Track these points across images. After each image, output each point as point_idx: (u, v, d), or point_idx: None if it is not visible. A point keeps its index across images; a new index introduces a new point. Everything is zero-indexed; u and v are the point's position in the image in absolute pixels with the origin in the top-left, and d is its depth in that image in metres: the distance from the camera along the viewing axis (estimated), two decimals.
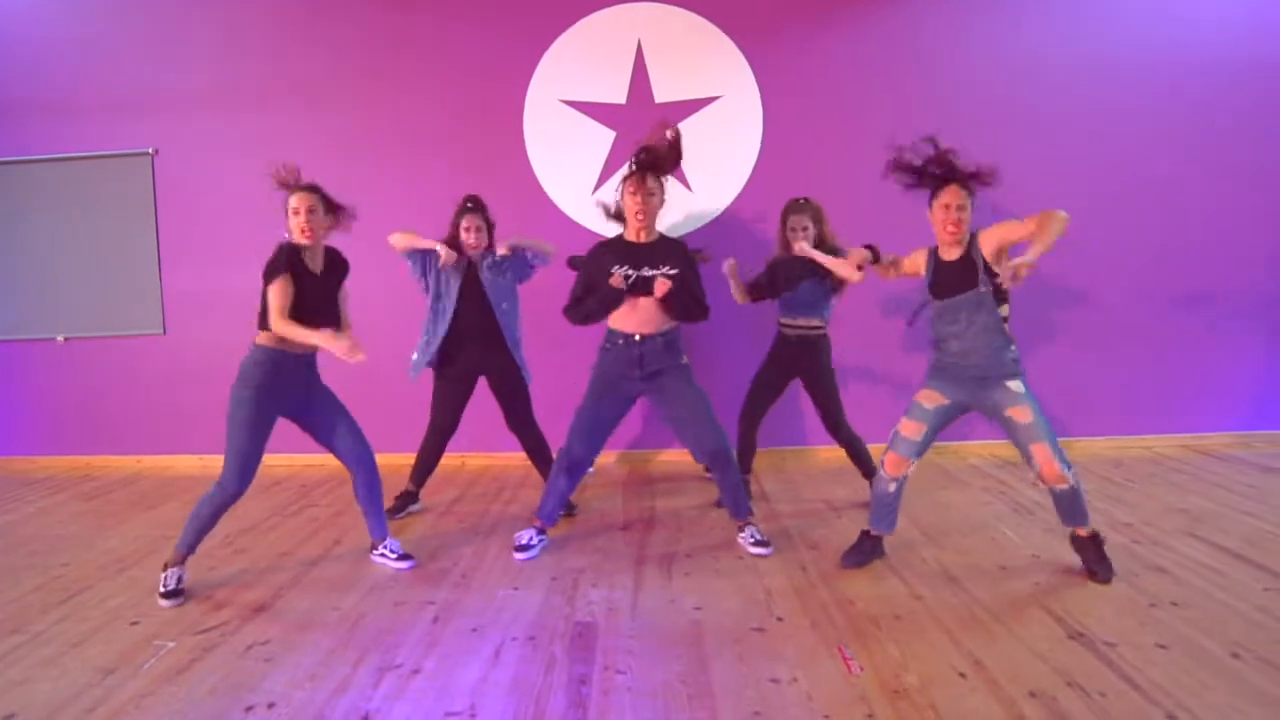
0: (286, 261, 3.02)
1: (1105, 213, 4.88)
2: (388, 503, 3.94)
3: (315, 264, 3.12)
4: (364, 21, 4.95)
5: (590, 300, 3.44)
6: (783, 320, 4.01)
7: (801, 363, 3.98)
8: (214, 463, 5.08)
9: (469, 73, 4.93)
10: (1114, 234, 4.91)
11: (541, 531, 3.53)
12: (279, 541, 3.68)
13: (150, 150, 5.05)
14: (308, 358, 3.20)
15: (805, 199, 3.92)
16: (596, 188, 4.90)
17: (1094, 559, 3.07)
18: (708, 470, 4.02)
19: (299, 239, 3.05)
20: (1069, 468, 2.98)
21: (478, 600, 2.97)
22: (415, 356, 4.00)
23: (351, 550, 3.54)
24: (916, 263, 3.20)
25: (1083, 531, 3.11)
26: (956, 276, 3.01)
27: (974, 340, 3.00)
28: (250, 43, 5.01)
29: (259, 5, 5.00)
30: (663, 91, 4.87)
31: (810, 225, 3.85)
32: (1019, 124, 4.85)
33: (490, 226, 4.01)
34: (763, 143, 4.88)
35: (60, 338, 5.22)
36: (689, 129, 4.86)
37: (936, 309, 3.09)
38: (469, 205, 3.94)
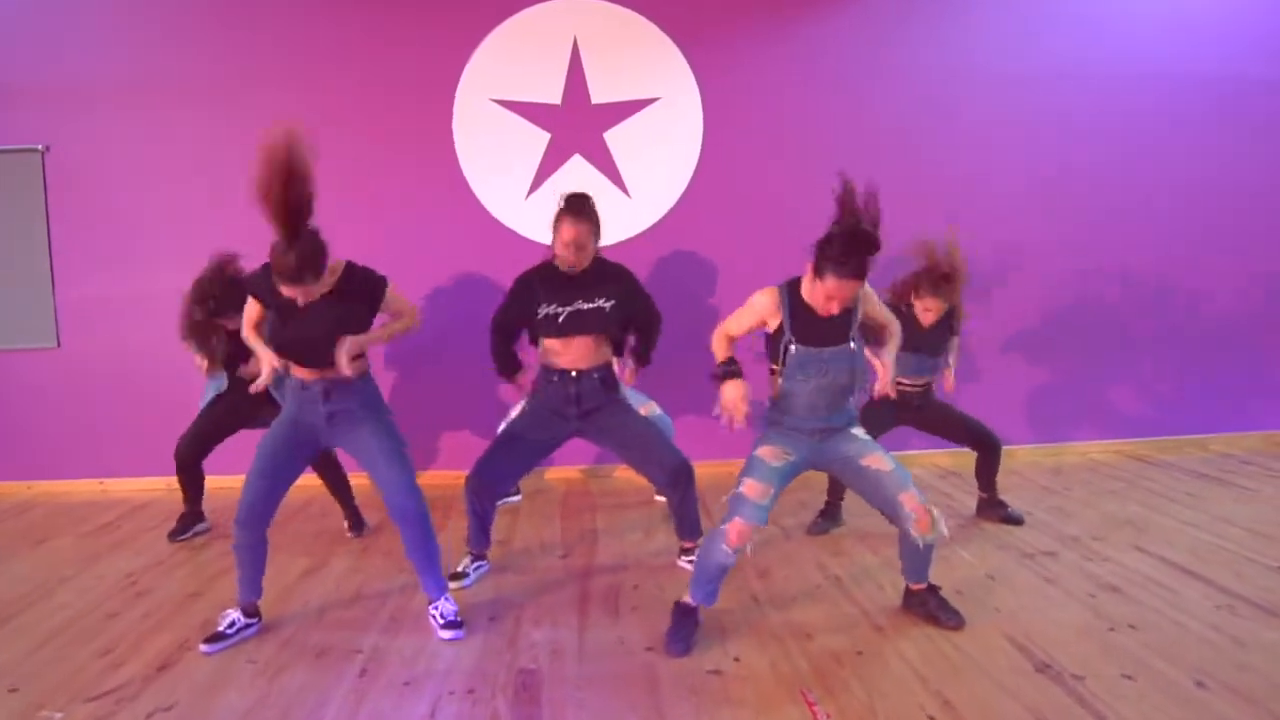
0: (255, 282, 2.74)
1: (1037, 217, 4.90)
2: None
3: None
4: (282, 9, 4.60)
5: (496, 350, 3.33)
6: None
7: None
8: (115, 487, 4.74)
9: (394, 68, 4.63)
10: (1047, 239, 4.92)
11: (479, 558, 3.33)
12: (187, 580, 3.36)
13: (40, 147, 4.61)
14: (326, 385, 2.74)
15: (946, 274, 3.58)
16: (530, 192, 4.68)
17: (939, 609, 2.82)
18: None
19: None
20: (937, 512, 2.71)
21: (410, 646, 2.73)
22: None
23: (268, 586, 3.21)
24: (762, 308, 2.69)
25: (919, 585, 2.88)
26: (829, 329, 2.64)
27: (824, 400, 2.68)
28: (155, 31, 4.58)
29: None
30: (600, 92, 4.67)
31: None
32: (970, 129, 4.81)
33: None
34: (703, 147, 4.72)
35: None
36: (626, 132, 4.69)
37: (798, 357, 2.64)
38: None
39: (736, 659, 2.61)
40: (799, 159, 4.74)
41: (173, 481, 4.65)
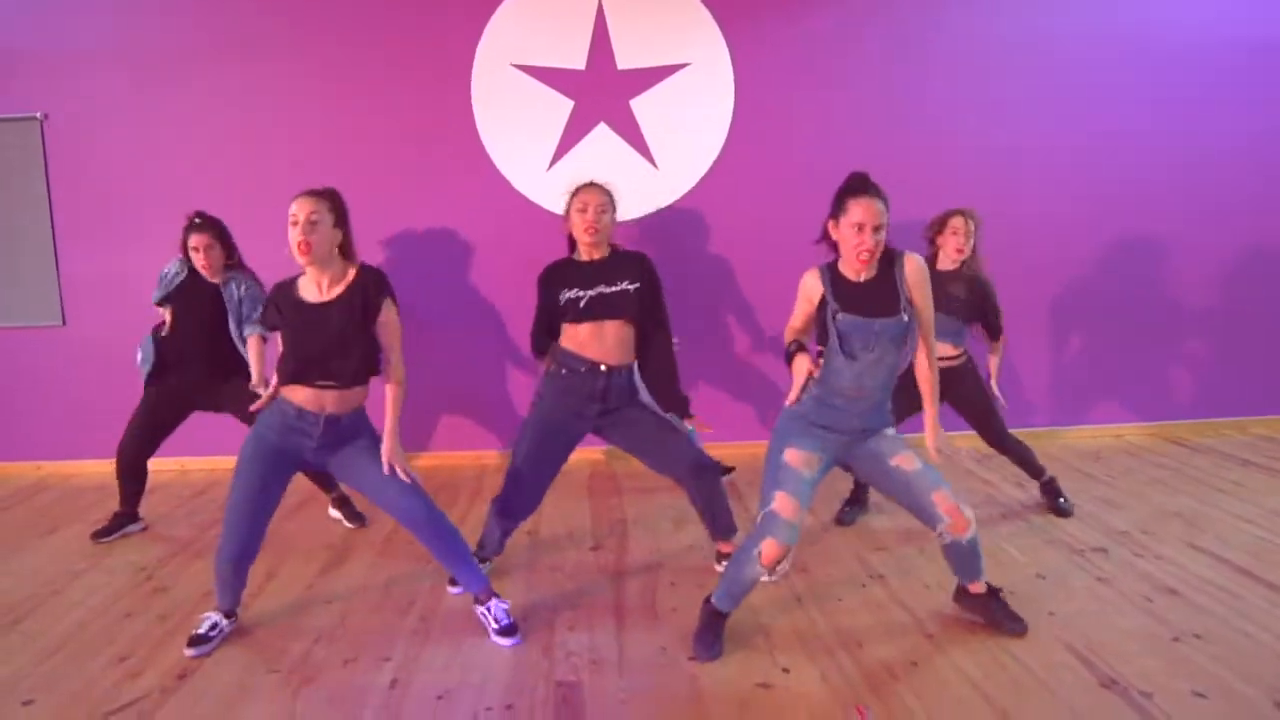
0: (269, 306, 2.62)
1: (1075, 189, 4.70)
2: (103, 521, 3.66)
3: (319, 290, 2.59)
4: None
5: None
6: None
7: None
8: None
9: (407, 31, 4.40)
10: (1077, 219, 4.73)
11: (483, 560, 3.16)
12: (203, 575, 3.21)
13: (39, 115, 4.40)
14: (328, 419, 2.61)
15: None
16: (553, 163, 4.47)
17: (1000, 615, 2.67)
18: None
19: (295, 255, 2.52)
20: (970, 510, 2.55)
21: (441, 654, 2.60)
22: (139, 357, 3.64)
23: (287, 585, 3.12)
24: (808, 288, 2.56)
25: (978, 587, 2.71)
26: (874, 296, 2.48)
27: (874, 381, 2.49)
28: None
29: None
30: (626, 57, 4.43)
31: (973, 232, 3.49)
32: (1011, 97, 4.60)
33: (228, 246, 3.58)
34: (734, 115, 4.49)
35: None
36: (653, 99, 4.46)
37: (843, 325, 2.46)
38: (196, 221, 3.51)
39: (785, 670, 2.48)
40: (835, 128, 4.53)
41: (185, 463, 4.57)
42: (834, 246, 2.54)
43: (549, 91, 4.44)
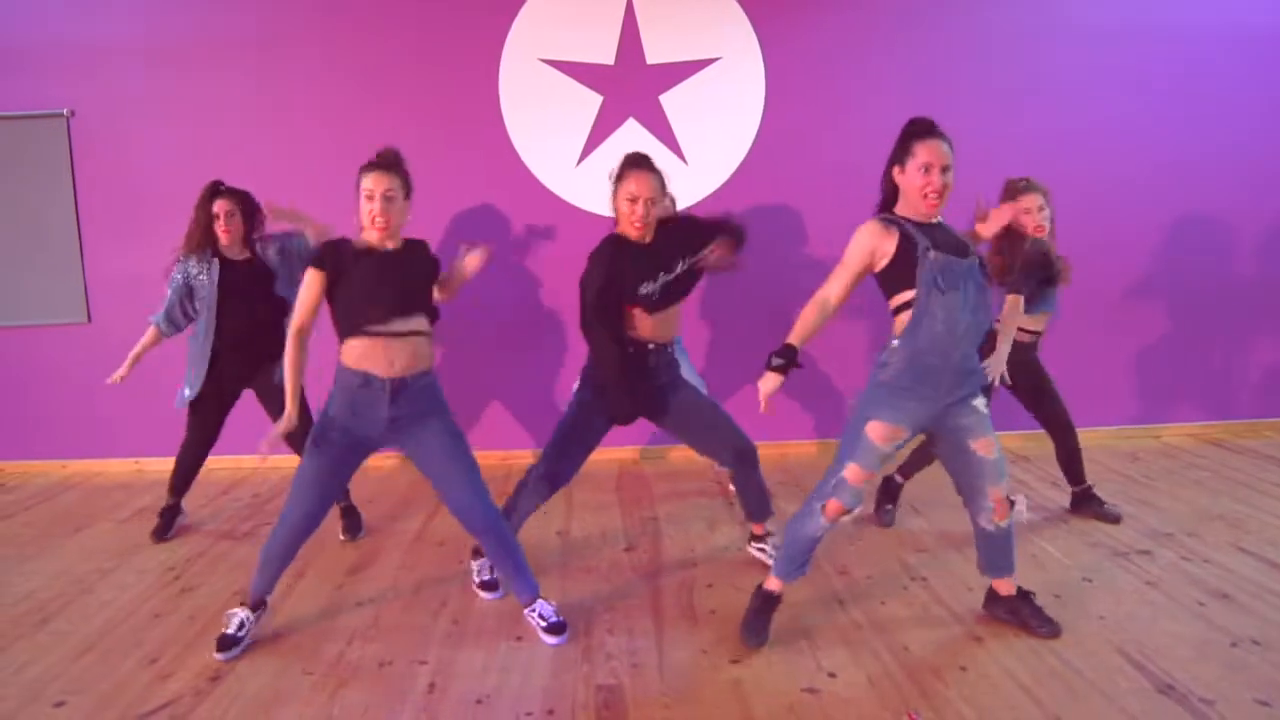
0: (324, 250, 2.55)
1: (1114, 186, 4.61)
2: (152, 521, 3.60)
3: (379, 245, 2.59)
4: None
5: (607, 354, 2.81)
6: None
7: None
8: (150, 466, 4.58)
9: (437, 26, 4.36)
10: (1115, 217, 4.63)
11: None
12: (232, 574, 3.19)
13: (65, 112, 4.38)
14: (402, 382, 2.53)
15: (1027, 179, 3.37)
16: (581, 159, 4.41)
17: (1032, 616, 2.61)
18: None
19: (369, 228, 2.51)
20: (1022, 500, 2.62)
21: (477, 657, 2.55)
22: (185, 391, 3.53)
23: (317, 585, 3.07)
24: (870, 240, 2.38)
25: (1008, 589, 2.66)
26: (949, 237, 2.40)
27: (966, 326, 2.35)
28: None
29: None
30: (655, 52, 4.37)
31: (1046, 207, 3.36)
32: (1040, 91, 4.51)
33: (251, 218, 3.50)
34: (765, 111, 4.43)
35: None
36: (683, 94, 4.40)
37: (938, 264, 2.31)
38: (221, 187, 3.46)
39: (832, 675, 2.41)
40: (867, 122, 4.45)
41: (210, 461, 4.49)
42: (891, 196, 2.47)
43: (578, 86, 4.39)
